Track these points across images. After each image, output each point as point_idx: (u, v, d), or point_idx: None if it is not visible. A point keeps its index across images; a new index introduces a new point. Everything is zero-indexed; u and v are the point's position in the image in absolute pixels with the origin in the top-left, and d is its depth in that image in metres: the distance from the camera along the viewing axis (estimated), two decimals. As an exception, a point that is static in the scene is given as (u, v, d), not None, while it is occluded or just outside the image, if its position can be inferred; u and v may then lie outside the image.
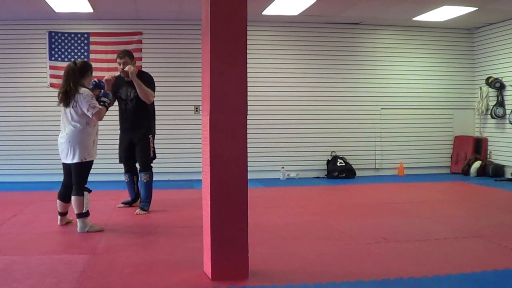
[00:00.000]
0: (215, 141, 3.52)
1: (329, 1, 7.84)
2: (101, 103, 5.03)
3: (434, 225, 5.34)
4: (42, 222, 5.45)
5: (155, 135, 6.14)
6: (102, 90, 5.23)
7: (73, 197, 4.95)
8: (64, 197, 5.12)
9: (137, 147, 5.94)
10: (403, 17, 8.91)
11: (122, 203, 6.34)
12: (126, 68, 5.72)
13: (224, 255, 3.54)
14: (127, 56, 5.90)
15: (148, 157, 5.94)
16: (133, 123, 5.92)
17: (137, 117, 5.89)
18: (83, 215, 4.94)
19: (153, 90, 5.92)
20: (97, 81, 5.22)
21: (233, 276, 3.52)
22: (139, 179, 6.00)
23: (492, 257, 4.13)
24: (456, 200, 7.01)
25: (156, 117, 6.19)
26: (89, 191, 5.05)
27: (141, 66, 8.35)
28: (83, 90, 4.90)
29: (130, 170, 6.13)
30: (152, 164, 6.05)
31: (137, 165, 6.12)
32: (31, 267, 3.81)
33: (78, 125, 4.91)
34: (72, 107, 4.88)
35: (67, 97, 4.88)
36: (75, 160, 4.91)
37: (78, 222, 4.96)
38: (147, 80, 5.88)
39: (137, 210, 5.96)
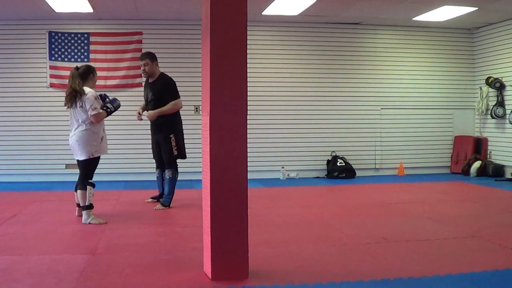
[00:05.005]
0: (215, 141, 3.52)
1: (329, 1, 7.84)
2: (105, 108, 5.37)
3: (434, 225, 5.34)
4: (42, 222, 5.45)
5: (183, 134, 6.30)
6: (112, 98, 5.59)
7: (78, 191, 5.34)
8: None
9: (161, 146, 6.18)
10: (403, 17, 8.91)
11: (151, 198, 6.57)
12: (147, 117, 6.04)
13: (224, 255, 3.54)
14: (148, 58, 6.10)
15: (172, 155, 6.14)
16: (154, 124, 6.19)
17: (157, 118, 6.07)
18: (86, 207, 5.30)
19: (175, 95, 6.09)
20: (102, 95, 5.55)
21: (233, 276, 3.52)
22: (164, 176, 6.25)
23: (492, 257, 4.13)
24: (456, 200, 7.00)
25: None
26: (93, 185, 5.38)
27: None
28: (87, 91, 5.27)
29: (160, 166, 6.38)
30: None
31: None
32: (31, 267, 3.81)
33: (85, 124, 5.27)
34: (79, 108, 5.25)
35: (71, 99, 5.27)
36: (83, 157, 5.30)
37: (83, 214, 5.33)
38: (169, 86, 6.06)
39: (156, 206, 6.17)
